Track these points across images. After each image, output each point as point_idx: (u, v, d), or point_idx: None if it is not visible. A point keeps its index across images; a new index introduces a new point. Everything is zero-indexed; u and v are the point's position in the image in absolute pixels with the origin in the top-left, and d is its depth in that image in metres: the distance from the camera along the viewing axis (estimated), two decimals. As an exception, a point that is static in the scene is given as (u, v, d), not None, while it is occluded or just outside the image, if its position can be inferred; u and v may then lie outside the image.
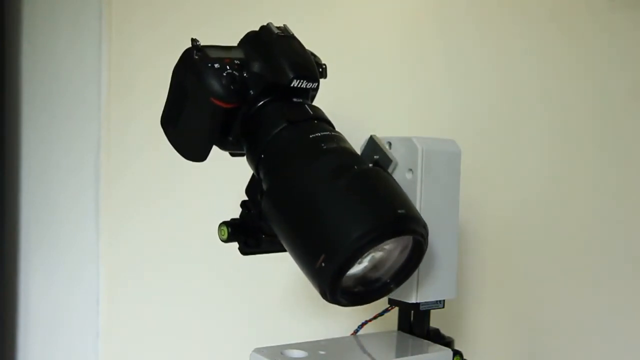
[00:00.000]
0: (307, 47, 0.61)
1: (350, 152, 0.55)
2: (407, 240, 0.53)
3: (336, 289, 0.50)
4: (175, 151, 0.61)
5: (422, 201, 0.59)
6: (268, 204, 0.54)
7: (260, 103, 0.58)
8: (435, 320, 0.64)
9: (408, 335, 0.64)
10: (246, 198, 0.60)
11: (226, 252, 0.64)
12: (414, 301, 0.60)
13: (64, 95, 1.52)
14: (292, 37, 0.60)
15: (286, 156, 0.55)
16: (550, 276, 0.81)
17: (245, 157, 0.60)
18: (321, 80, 0.62)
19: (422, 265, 0.58)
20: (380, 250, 0.53)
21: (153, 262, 1.28)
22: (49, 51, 1.56)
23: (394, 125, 0.92)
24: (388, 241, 0.51)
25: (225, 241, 0.60)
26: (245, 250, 0.61)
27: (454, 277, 0.63)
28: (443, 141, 0.62)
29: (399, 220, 0.50)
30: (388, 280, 0.54)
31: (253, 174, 0.59)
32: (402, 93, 0.94)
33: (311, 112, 0.58)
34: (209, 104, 0.56)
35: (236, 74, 0.57)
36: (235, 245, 0.61)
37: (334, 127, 0.59)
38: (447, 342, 0.63)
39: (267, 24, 0.60)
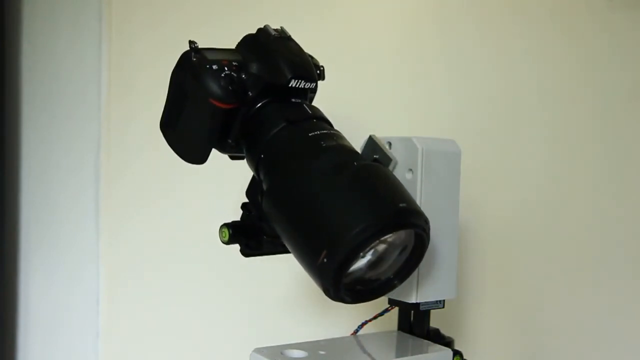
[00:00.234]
0: (307, 47, 0.62)
1: (350, 149, 0.55)
2: (407, 240, 0.53)
3: (339, 285, 0.50)
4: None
5: (422, 201, 0.59)
6: (268, 204, 0.54)
7: (259, 104, 0.58)
8: (435, 320, 0.64)
9: (408, 335, 0.64)
10: (246, 200, 0.60)
11: (226, 252, 0.64)
12: (414, 301, 0.60)
13: (64, 95, 1.52)
14: (289, 39, 0.60)
15: (286, 155, 0.55)
16: (550, 276, 0.81)
17: (245, 160, 0.60)
18: (321, 80, 0.62)
19: (422, 265, 0.58)
20: (384, 243, 0.53)
21: (153, 262, 1.28)
22: (49, 51, 1.56)
23: (394, 125, 0.92)
24: (390, 235, 0.51)
25: (227, 243, 0.60)
26: (246, 252, 0.61)
27: (454, 277, 0.63)
28: (443, 141, 0.62)
29: (400, 214, 0.50)
30: (392, 276, 0.54)
31: (253, 176, 0.59)
32: (402, 93, 0.94)
33: (310, 112, 0.58)
34: (208, 105, 0.56)
35: (234, 75, 0.57)
36: (235, 245, 0.61)
37: (332, 126, 0.59)
38: (447, 342, 0.63)
39: (264, 26, 0.60)
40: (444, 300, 0.63)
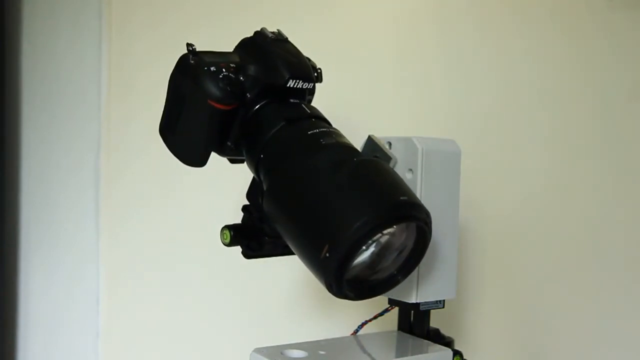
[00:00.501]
0: (307, 47, 0.62)
1: (349, 146, 0.56)
2: (406, 242, 0.53)
3: (342, 280, 0.50)
4: (175, 152, 0.61)
5: (422, 201, 0.59)
6: (269, 203, 0.54)
7: (258, 105, 0.58)
8: (435, 320, 0.64)
9: (408, 335, 0.64)
10: (246, 202, 0.61)
11: (226, 252, 0.64)
12: (414, 301, 0.60)
13: (64, 95, 1.52)
14: (286, 41, 0.60)
15: (285, 154, 0.55)
16: (550, 276, 0.81)
17: (244, 162, 0.60)
18: (319, 83, 0.62)
19: (422, 265, 0.58)
20: (386, 235, 0.53)
21: (153, 262, 1.29)
22: (49, 51, 1.56)
23: (394, 125, 0.92)
24: (391, 229, 0.51)
25: (228, 245, 0.60)
26: (248, 253, 0.61)
27: (454, 277, 0.63)
28: (443, 141, 0.62)
29: (401, 206, 0.50)
30: (395, 272, 0.54)
31: (253, 178, 0.59)
32: (402, 93, 0.94)
33: (308, 111, 0.58)
34: (207, 107, 0.56)
35: (232, 76, 0.57)
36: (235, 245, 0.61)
37: (331, 125, 0.59)
38: (447, 342, 0.63)
39: (261, 28, 0.60)
40: (444, 300, 0.63)
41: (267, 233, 0.59)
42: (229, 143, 0.59)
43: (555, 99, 0.81)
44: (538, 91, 0.82)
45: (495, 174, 0.85)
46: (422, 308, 0.62)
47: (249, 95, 0.58)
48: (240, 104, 0.58)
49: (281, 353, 0.55)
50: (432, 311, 0.63)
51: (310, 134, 0.55)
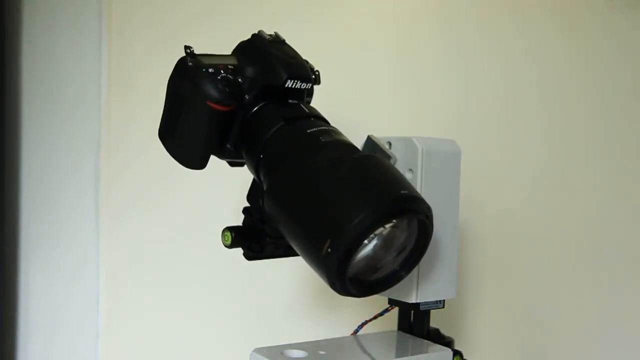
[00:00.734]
0: (306, 47, 0.62)
1: (348, 143, 0.56)
2: (408, 240, 0.53)
3: (344, 276, 0.50)
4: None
5: (422, 201, 0.59)
6: (270, 203, 0.54)
7: (257, 107, 0.58)
8: (435, 320, 0.64)
9: (408, 335, 0.64)
10: (247, 204, 0.61)
11: (226, 252, 0.64)
12: (414, 301, 0.60)
13: (64, 95, 1.52)
14: (284, 43, 0.61)
15: (285, 153, 0.55)
16: (550, 276, 0.81)
17: (244, 165, 0.60)
18: (317, 85, 0.62)
19: (422, 264, 0.58)
20: (388, 228, 0.53)
21: (153, 262, 1.29)
22: (49, 51, 1.56)
23: (394, 125, 0.92)
24: (391, 224, 0.51)
25: (229, 247, 0.60)
26: (250, 255, 0.61)
27: (454, 277, 0.63)
28: (443, 141, 0.62)
29: (402, 200, 0.50)
30: (397, 268, 0.54)
31: (253, 180, 0.59)
32: (402, 93, 0.94)
33: (307, 111, 0.59)
34: (206, 108, 0.56)
35: (231, 77, 0.57)
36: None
37: (329, 124, 0.59)
38: (447, 342, 0.63)
39: (258, 31, 0.60)
40: (444, 300, 0.63)
41: (268, 234, 0.59)
42: (228, 145, 0.59)
43: (555, 99, 0.81)
44: (538, 91, 0.82)
45: (495, 174, 0.85)
46: (422, 308, 0.62)
47: (247, 97, 0.58)
48: (239, 105, 0.58)
49: (281, 353, 0.55)
50: (432, 311, 0.63)
51: (310, 132, 0.55)
